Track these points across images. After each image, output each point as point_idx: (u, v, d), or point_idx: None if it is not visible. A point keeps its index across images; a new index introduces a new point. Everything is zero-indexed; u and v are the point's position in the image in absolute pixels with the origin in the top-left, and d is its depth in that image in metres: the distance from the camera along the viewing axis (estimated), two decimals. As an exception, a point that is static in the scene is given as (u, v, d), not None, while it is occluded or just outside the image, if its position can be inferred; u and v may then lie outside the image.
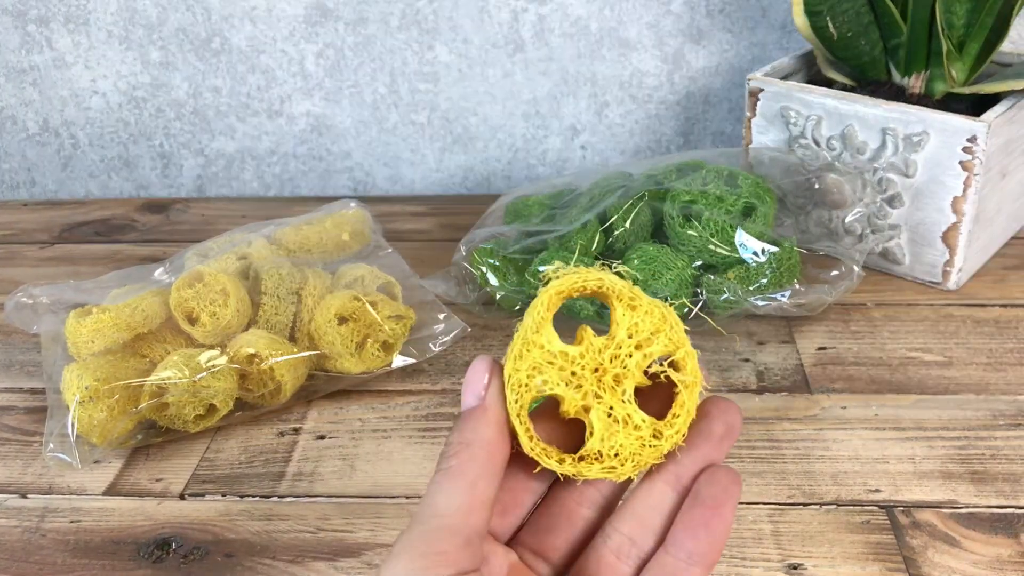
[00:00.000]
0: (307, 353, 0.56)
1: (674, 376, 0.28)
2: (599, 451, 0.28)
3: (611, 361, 0.28)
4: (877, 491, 0.48)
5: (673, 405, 0.29)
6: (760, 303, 0.59)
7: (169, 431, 0.54)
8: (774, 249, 0.59)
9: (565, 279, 0.29)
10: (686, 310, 0.60)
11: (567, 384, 0.28)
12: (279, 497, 0.50)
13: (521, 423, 0.28)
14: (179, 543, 0.47)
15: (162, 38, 0.82)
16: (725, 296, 0.59)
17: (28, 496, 0.51)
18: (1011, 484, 0.48)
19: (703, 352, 0.59)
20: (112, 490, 0.51)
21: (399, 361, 0.58)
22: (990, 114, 0.59)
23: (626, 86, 0.82)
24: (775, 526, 0.46)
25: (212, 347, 0.55)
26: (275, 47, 0.82)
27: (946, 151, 0.60)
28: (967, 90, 0.64)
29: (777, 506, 0.48)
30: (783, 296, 0.59)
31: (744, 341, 0.61)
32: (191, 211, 0.84)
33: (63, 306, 0.58)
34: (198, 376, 0.52)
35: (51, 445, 0.52)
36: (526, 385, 0.28)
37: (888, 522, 0.46)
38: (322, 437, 0.55)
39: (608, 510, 0.31)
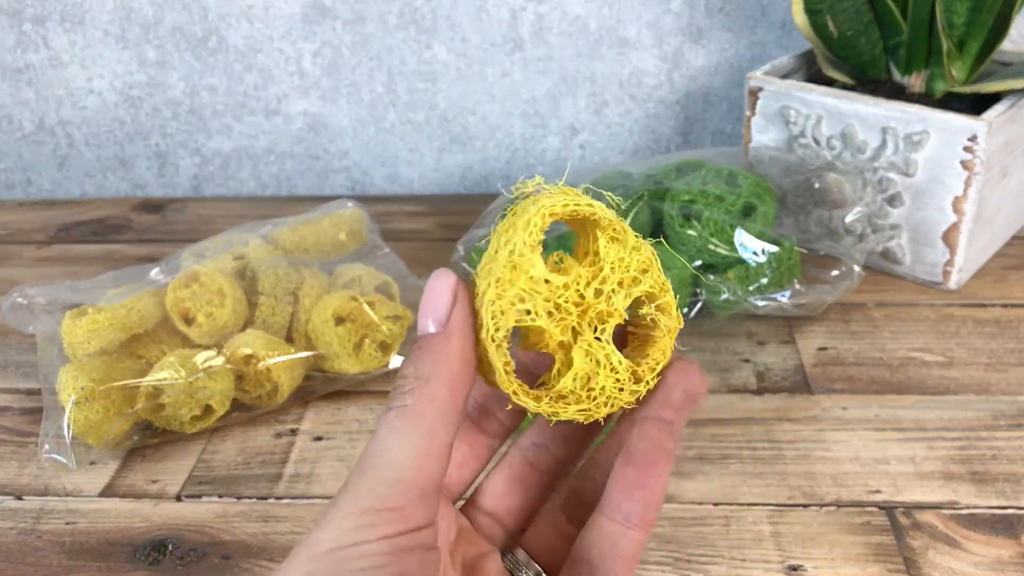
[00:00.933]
0: (304, 354, 0.56)
1: (661, 319, 0.27)
2: (573, 390, 0.26)
3: (596, 296, 0.26)
4: (877, 492, 0.48)
5: (651, 349, 0.27)
6: (760, 303, 0.59)
7: (165, 432, 0.54)
8: (774, 249, 0.59)
9: (557, 198, 0.26)
10: (686, 310, 0.59)
11: (550, 316, 0.26)
12: (276, 499, 0.50)
13: (501, 356, 0.25)
14: (175, 545, 0.47)
15: (158, 37, 0.81)
16: (725, 296, 0.59)
17: (24, 497, 0.51)
18: (1012, 485, 0.48)
19: (703, 353, 0.59)
20: (108, 491, 0.51)
21: (397, 361, 0.58)
22: (991, 113, 0.59)
23: (625, 85, 0.82)
24: (775, 527, 0.46)
25: (208, 348, 0.55)
26: (272, 46, 0.81)
27: (947, 150, 0.60)
28: (967, 89, 0.64)
29: (777, 507, 0.47)
30: (783, 296, 0.59)
31: (744, 342, 0.61)
32: (187, 211, 0.84)
33: (59, 306, 0.58)
34: (194, 377, 0.52)
35: (47, 446, 0.52)
36: (505, 313, 0.25)
37: (888, 523, 0.46)
38: (319, 438, 0.54)
39: (560, 473, 0.29)
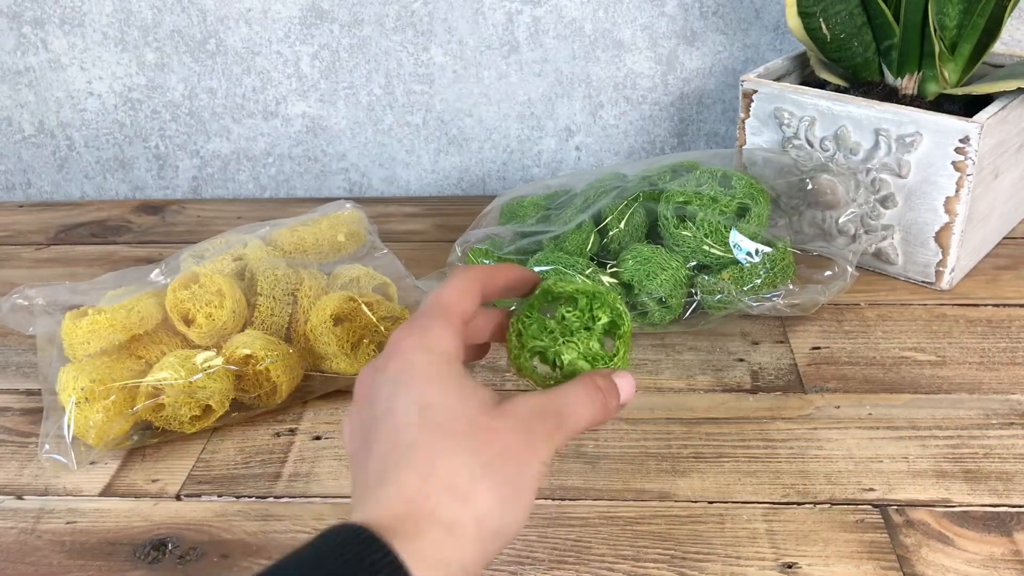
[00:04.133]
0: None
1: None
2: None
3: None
4: (871, 490, 0.48)
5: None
6: (754, 303, 0.59)
7: (165, 432, 0.54)
8: (768, 250, 0.60)
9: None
10: (680, 311, 0.60)
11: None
12: (275, 498, 0.50)
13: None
14: (175, 544, 0.47)
15: (157, 40, 0.82)
16: (719, 296, 0.59)
17: (24, 497, 0.51)
18: (1004, 483, 0.49)
19: (698, 352, 0.60)
20: (108, 491, 0.51)
21: (395, 362, 0.58)
22: (982, 115, 0.60)
23: (620, 87, 0.82)
24: (769, 525, 0.47)
25: (208, 348, 0.55)
26: (270, 48, 0.82)
27: (939, 152, 0.60)
28: (959, 91, 0.64)
29: (771, 505, 0.48)
30: (777, 296, 0.60)
31: (738, 341, 0.61)
32: (187, 212, 0.84)
33: (59, 307, 0.58)
34: (194, 377, 0.52)
35: (47, 446, 0.52)
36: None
37: (882, 521, 0.47)
38: (318, 438, 0.55)
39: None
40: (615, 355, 0.40)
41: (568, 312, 0.40)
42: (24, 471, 0.53)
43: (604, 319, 0.40)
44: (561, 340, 0.40)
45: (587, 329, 0.40)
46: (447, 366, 0.32)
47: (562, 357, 0.39)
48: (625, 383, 0.37)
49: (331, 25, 0.80)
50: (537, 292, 0.40)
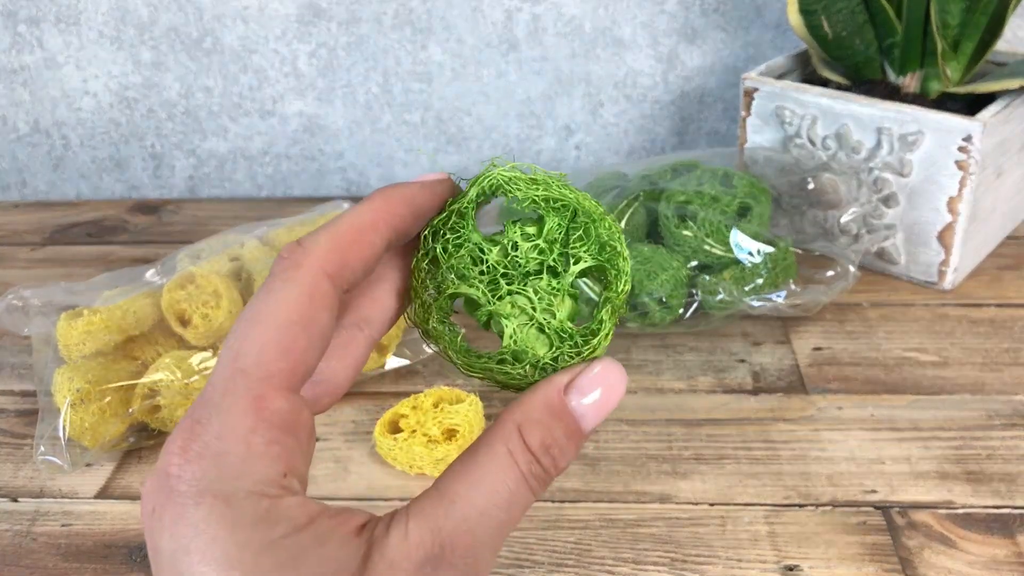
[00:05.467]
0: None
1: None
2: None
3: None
4: (873, 492, 0.48)
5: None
6: (755, 304, 0.59)
7: (161, 434, 0.54)
8: (769, 249, 0.59)
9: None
10: (681, 311, 0.60)
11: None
12: (272, 500, 0.50)
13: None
14: (171, 547, 0.47)
15: (153, 38, 0.81)
16: (720, 297, 0.59)
17: (19, 500, 0.51)
18: (1007, 484, 0.48)
19: (699, 353, 0.59)
20: (104, 493, 0.51)
21: (393, 363, 0.58)
22: (985, 113, 0.59)
23: (620, 86, 0.82)
24: (771, 527, 0.46)
25: (204, 349, 0.55)
26: (267, 47, 0.81)
27: (941, 150, 0.60)
28: (962, 89, 0.64)
29: (773, 507, 0.48)
30: (779, 296, 0.59)
31: (740, 342, 0.61)
32: (183, 212, 0.84)
33: (54, 308, 0.58)
34: (190, 379, 0.52)
35: (42, 448, 0.52)
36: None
37: (884, 523, 0.46)
38: (316, 439, 0.54)
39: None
40: (597, 332, 0.24)
41: (524, 237, 0.25)
42: (19, 473, 0.53)
43: (585, 261, 0.24)
44: (504, 288, 0.24)
45: (552, 273, 0.24)
46: (259, 527, 0.19)
47: (503, 324, 0.24)
48: (608, 382, 0.22)
49: (328, 23, 0.80)
50: (474, 189, 0.25)
